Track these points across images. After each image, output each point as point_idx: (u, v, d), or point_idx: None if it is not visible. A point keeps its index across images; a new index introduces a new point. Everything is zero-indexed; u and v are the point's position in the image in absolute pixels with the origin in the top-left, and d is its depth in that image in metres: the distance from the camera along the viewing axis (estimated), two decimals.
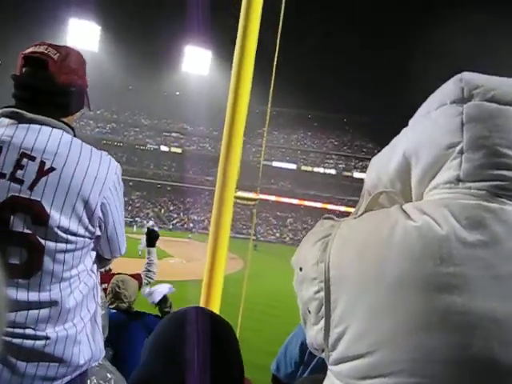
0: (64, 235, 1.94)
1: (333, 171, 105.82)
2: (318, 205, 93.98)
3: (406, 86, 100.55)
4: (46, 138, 1.98)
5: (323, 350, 1.15)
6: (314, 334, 1.17)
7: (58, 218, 1.91)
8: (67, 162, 1.95)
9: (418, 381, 0.95)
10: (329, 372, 1.17)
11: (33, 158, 1.92)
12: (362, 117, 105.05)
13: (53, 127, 2.02)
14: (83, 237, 2.02)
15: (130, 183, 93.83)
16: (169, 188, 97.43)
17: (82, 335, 2.09)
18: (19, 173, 1.90)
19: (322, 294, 1.11)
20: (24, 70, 2.09)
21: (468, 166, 1.05)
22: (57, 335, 1.98)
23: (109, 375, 2.39)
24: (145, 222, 73.70)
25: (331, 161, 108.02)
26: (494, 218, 1.00)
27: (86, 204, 1.98)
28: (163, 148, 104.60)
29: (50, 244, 1.92)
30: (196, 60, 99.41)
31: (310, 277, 1.16)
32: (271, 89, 4.57)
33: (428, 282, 0.97)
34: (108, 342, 4.17)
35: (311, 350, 1.24)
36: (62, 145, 1.99)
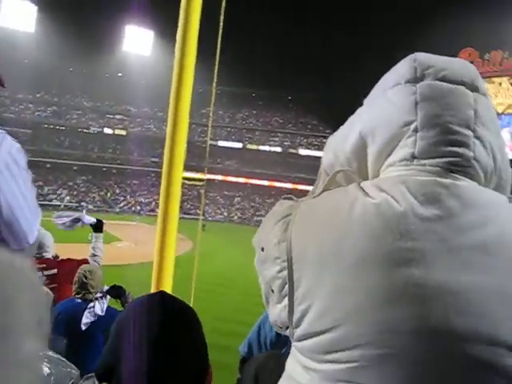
0: None
1: (278, 149, 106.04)
2: (265, 183, 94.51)
3: (347, 64, 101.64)
4: None
5: (287, 328, 1.17)
6: (277, 312, 1.19)
7: None
8: None
9: (382, 351, 0.98)
10: (293, 348, 1.19)
11: None
12: (306, 94, 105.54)
13: None
14: None
15: (75, 167, 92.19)
16: (114, 171, 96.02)
17: None
18: None
19: (285, 272, 1.13)
20: None
21: (422, 144, 1.09)
22: None
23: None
24: (86, 205, 72.95)
25: (276, 139, 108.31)
26: (448, 194, 1.04)
27: None
28: (107, 130, 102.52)
29: None
30: (137, 40, 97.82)
31: (272, 256, 1.18)
32: (216, 68, 4.55)
33: (388, 257, 0.99)
34: (63, 332, 4.13)
35: (275, 328, 1.26)
36: None
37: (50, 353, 2.76)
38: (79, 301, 4.71)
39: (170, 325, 1.44)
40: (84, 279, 4.79)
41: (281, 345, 3.00)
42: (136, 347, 1.38)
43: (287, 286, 1.13)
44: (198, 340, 1.53)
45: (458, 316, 0.96)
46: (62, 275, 5.10)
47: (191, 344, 1.49)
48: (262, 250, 1.24)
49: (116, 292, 4.88)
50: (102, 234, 5.66)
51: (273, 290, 1.19)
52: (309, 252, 1.10)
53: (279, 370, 1.25)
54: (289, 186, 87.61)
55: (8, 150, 1.87)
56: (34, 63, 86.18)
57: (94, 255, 5.48)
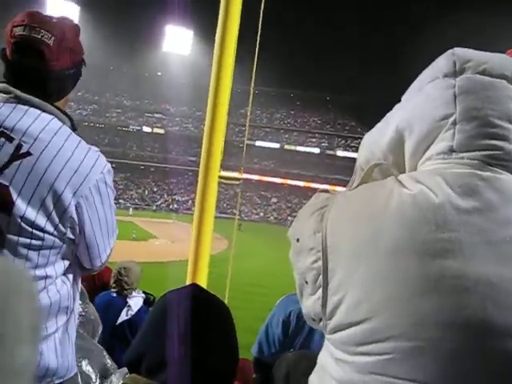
0: (28, 228, 1.76)
1: (316, 150, 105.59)
2: (301, 183, 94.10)
3: (388, 67, 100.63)
4: (31, 120, 1.80)
5: (320, 320, 1.16)
6: (311, 303, 1.18)
7: (24, 208, 1.74)
8: (46, 150, 1.77)
9: (415, 344, 0.97)
10: (326, 341, 1.19)
11: (11, 139, 1.75)
12: (344, 96, 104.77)
13: (42, 110, 1.85)
14: (51, 235, 1.81)
15: (113, 165, 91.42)
16: (152, 169, 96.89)
17: (44, 345, 1.90)
18: None
19: (320, 263, 1.13)
20: (15, 56, 1.86)
21: (461, 137, 1.07)
22: None
23: None
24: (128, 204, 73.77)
25: (314, 139, 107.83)
26: (488, 186, 1.02)
27: (58, 200, 1.78)
28: (146, 129, 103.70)
29: (12, 235, 1.75)
30: (177, 40, 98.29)
31: (307, 247, 1.18)
32: (254, 68, 4.56)
33: (423, 247, 0.99)
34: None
35: (308, 321, 1.25)
36: (47, 131, 1.80)
37: (96, 344, 2.82)
38: (115, 295, 4.77)
39: (200, 315, 1.44)
40: (119, 276, 4.84)
41: (288, 342, 3.02)
42: (165, 336, 1.39)
43: (321, 276, 1.13)
44: (227, 332, 1.53)
45: (495, 308, 0.94)
46: (98, 280, 5.13)
47: (221, 335, 1.49)
48: (298, 241, 1.23)
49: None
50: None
51: (307, 282, 1.19)
52: (344, 242, 1.10)
53: (311, 370, 1.30)
54: (326, 187, 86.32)
55: (101, 170, 1.92)
56: None
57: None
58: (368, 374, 1.03)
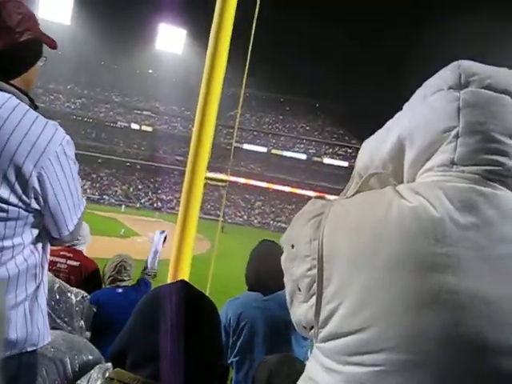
0: None
1: (303, 156, 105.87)
2: (287, 189, 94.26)
3: (378, 78, 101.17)
4: None
5: (311, 328, 1.16)
6: (303, 311, 1.18)
7: None
8: (4, 125, 1.83)
9: (409, 357, 0.97)
10: (315, 350, 1.17)
11: None
12: (334, 103, 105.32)
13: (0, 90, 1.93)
14: (16, 206, 1.88)
15: (99, 160, 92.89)
16: (138, 166, 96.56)
17: (13, 313, 1.96)
18: None
19: (315, 271, 1.12)
20: None
21: (463, 150, 1.07)
22: None
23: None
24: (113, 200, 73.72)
25: (302, 145, 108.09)
26: (486, 202, 1.02)
27: (19, 171, 1.84)
28: (134, 126, 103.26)
29: None
30: (170, 38, 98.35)
31: (302, 254, 1.17)
32: (246, 71, 4.56)
33: (422, 261, 0.98)
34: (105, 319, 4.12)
35: (298, 328, 1.25)
36: (4, 108, 1.86)
37: (77, 337, 2.80)
38: (120, 290, 4.71)
39: (192, 309, 1.44)
40: (125, 270, 4.82)
41: (232, 346, 3.13)
42: (153, 331, 1.39)
43: (316, 284, 1.12)
44: (216, 326, 1.55)
45: (490, 326, 0.94)
46: (82, 269, 5.10)
47: (210, 329, 1.49)
48: (292, 247, 1.23)
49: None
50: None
51: (300, 289, 1.18)
52: (341, 251, 1.09)
53: (294, 375, 1.28)
54: (310, 193, 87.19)
55: (59, 142, 1.96)
56: (67, 55, 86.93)
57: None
58: None
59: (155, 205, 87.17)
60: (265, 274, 3.21)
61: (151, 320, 1.42)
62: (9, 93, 1.94)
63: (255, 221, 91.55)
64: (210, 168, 3.96)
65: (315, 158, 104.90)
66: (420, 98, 1.20)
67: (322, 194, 1.33)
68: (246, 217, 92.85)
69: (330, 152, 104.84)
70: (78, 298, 3.12)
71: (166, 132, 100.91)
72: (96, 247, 5.68)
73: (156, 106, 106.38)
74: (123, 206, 71.85)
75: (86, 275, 5.03)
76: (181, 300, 1.44)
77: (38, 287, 2.08)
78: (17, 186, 1.85)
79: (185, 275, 3.77)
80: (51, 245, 2.21)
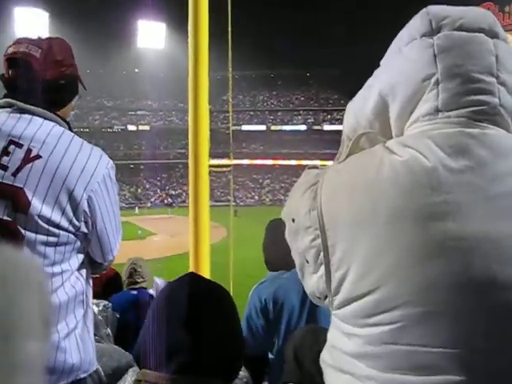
0: (45, 226, 1.86)
1: (302, 127, 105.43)
2: (293, 162, 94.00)
3: (368, 36, 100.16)
4: (36, 127, 1.93)
5: (326, 297, 1.17)
6: (314, 282, 1.18)
7: (40, 206, 1.84)
8: (55, 151, 1.89)
9: (425, 309, 0.98)
10: (333, 317, 1.19)
11: (20, 145, 1.87)
12: (324, 70, 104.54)
13: (44, 118, 1.99)
14: (66, 230, 1.91)
15: None
16: (142, 167, 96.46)
17: (67, 342, 1.97)
18: (4, 159, 1.84)
19: (319, 241, 1.12)
20: (10, 72, 2.05)
21: (445, 96, 1.07)
22: None
23: None
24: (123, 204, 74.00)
25: (299, 117, 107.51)
26: (477, 143, 1.02)
27: (71, 195, 1.89)
28: (130, 127, 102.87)
29: (30, 234, 1.85)
30: (150, 34, 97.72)
31: (304, 226, 1.17)
32: (230, 53, 4.55)
33: (421, 212, 0.99)
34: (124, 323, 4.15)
35: (312, 299, 1.26)
36: (52, 135, 1.94)
37: (105, 345, 2.84)
38: (135, 292, 4.74)
39: (198, 303, 1.44)
40: (136, 272, 4.84)
41: (272, 329, 3.07)
42: (167, 328, 1.39)
43: (322, 253, 1.12)
44: (229, 316, 1.52)
45: (498, 263, 0.95)
46: (103, 278, 5.12)
47: (222, 320, 1.48)
48: (293, 221, 1.23)
49: None
50: None
51: (307, 261, 1.18)
52: (341, 216, 1.09)
53: (317, 345, 1.26)
54: (317, 162, 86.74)
55: (106, 166, 2.04)
56: None
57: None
58: (380, 345, 1.03)
59: (166, 201, 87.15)
60: (280, 252, 3.21)
61: (165, 316, 1.43)
62: (53, 121, 2.01)
63: (267, 199, 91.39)
64: (212, 155, 3.97)
65: (315, 127, 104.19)
66: (395, 51, 1.19)
67: (314, 164, 1.33)
68: (256, 197, 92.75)
69: (329, 118, 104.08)
70: (100, 308, 3.16)
71: (163, 128, 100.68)
72: (120, 252, 5.69)
73: (149, 103, 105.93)
74: (137, 209, 71.95)
75: (105, 281, 5.06)
76: (189, 293, 1.45)
77: (85, 313, 2.12)
78: (68, 210, 1.90)
79: (205, 265, 3.79)
80: (92, 273, 2.23)
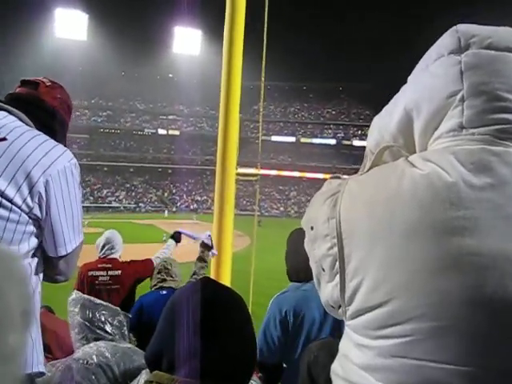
0: None
1: (332, 141, 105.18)
2: (320, 176, 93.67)
3: (398, 53, 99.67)
4: (8, 120, 2.02)
5: (339, 307, 1.17)
6: (329, 291, 1.19)
7: None
8: (21, 137, 1.95)
9: (436, 324, 0.97)
10: (346, 328, 1.19)
11: None
12: (357, 84, 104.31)
13: (20, 119, 2.08)
14: (19, 208, 1.91)
15: (131, 169, 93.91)
16: (170, 171, 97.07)
17: None
18: None
19: (335, 249, 1.13)
20: (18, 89, 2.29)
21: (470, 113, 1.06)
22: None
23: None
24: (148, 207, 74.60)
25: (330, 131, 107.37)
26: (500, 161, 1.01)
27: (28, 175, 1.91)
28: (161, 131, 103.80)
29: None
30: (186, 40, 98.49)
31: (321, 234, 1.18)
32: (263, 63, 4.56)
33: (439, 226, 0.98)
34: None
35: (326, 308, 1.26)
36: (21, 126, 2.03)
37: (120, 344, 2.86)
38: (164, 292, 4.74)
39: (210, 308, 1.44)
40: (165, 269, 4.85)
41: (290, 341, 3.04)
42: (180, 331, 1.39)
43: (338, 262, 1.13)
44: (241, 321, 1.52)
45: None
46: (126, 277, 5.15)
47: (234, 324, 1.48)
48: (312, 229, 1.23)
49: None
50: (173, 244, 5.64)
51: (324, 269, 1.19)
52: (358, 226, 1.09)
53: (332, 362, 1.25)
54: (344, 177, 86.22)
55: (69, 160, 2.06)
56: (87, 70, 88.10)
57: (158, 257, 5.49)
58: (390, 358, 1.03)
59: (191, 207, 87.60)
60: (302, 262, 3.20)
61: (178, 319, 1.43)
62: (28, 125, 2.10)
63: (292, 211, 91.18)
64: (240, 164, 3.97)
65: (345, 142, 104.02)
66: (422, 68, 1.20)
67: (337, 174, 1.33)
68: (282, 208, 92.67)
69: (359, 134, 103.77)
70: (110, 312, 3.19)
71: (193, 133, 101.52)
72: (142, 255, 5.74)
73: (180, 109, 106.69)
74: (166, 212, 72.59)
75: (133, 281, 5.09)
76: (202, 297, 1.45)
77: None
78: (23, 188, 1.91)
79: (227, 273, 3.80)
80: (46, 276, 2.18)
